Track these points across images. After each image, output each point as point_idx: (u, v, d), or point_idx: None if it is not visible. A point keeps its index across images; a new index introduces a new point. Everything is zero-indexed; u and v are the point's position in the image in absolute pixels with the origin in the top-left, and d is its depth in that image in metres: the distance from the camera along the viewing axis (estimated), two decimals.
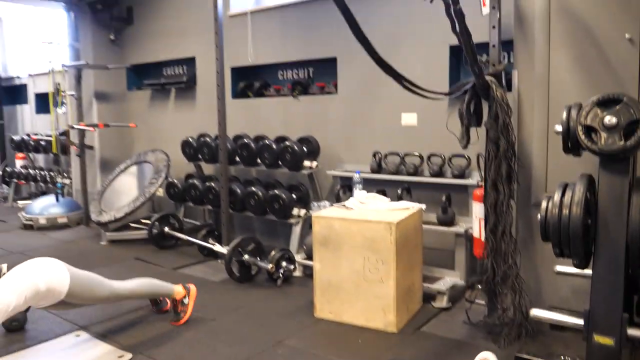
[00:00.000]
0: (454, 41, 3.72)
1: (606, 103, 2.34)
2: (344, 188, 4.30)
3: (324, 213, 3.36)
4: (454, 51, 4.06)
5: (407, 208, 3.35)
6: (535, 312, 2.58)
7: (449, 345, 2.96)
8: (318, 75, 5.01)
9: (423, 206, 3.49)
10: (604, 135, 2.31)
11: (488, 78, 3.00)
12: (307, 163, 4.53)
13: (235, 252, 4.03)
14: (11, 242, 5.62)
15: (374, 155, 4.35)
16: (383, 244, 3.05)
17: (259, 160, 4.80)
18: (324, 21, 4.69)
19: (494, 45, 3.18)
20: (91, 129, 5.92)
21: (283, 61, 5.10)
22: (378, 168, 4.32)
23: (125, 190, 5.64)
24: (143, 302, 3.57)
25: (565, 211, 2.37)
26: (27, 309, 3.14)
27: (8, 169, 8.02)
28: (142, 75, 6.46)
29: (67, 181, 6.83)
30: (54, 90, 6.42)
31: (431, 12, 3.37)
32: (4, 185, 8.27)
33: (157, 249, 5.15)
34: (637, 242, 2.20)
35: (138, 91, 6.46)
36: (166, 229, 5.15)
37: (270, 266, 3.92)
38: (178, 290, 3.38)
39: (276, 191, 4.46)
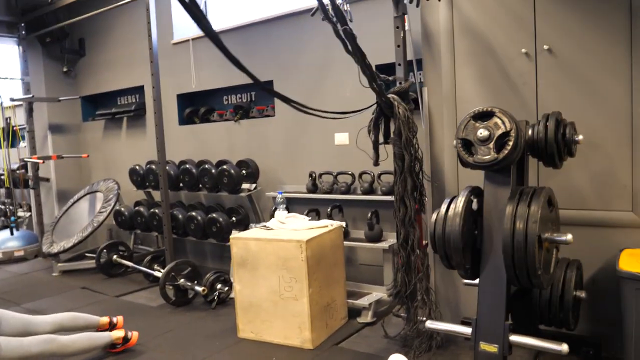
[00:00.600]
0: (381, 60, 3.87)
1: (481, 117, 2.42)
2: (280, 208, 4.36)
3: (241, 234, 3.41)
4: (381, 70, 4.16)
5: (325, 226, 3.40)
6: (429, 323, 2.62)
7: (362, 359, 2.99)
8: (259, 99, 5.11)
9: (343, 224, 3.55)
10: (478, 148, 2.39)
11: (391, 96, 3.08)
12: (245, 186, 4.59)
13: (168, 277, 4.07)
14: None
15: (310, 175, 4.42)
16: (295, 262, 3.10)
17: (201, 185, 4.86)
18: (260, 46, 4.81)
19: (399, 64, 3.29)
20: (40, 161, 5.97)
21: (225, 86, 5.20)
22: (313, 187, 4.38)
23: (77, 221, 5.67)
24: None
25: (449, 223, 2.44)
26: None
27: None
28: (98, 105, 6.55)
29: (26, 214, 6.85)
30: (4, 125, 6.47)
31: (359, 36, 3.49)
32: None
33: (106, 277, 5.17)
34: (509, 251, 2.26)
35: (93, 122, 6.54)
36: (115, 257, 5.18)
37: (202, 289, 3.95)
38: (104, 320, 3.41)
39: (214, 215, 4.52)
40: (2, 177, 7.35)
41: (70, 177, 6.58)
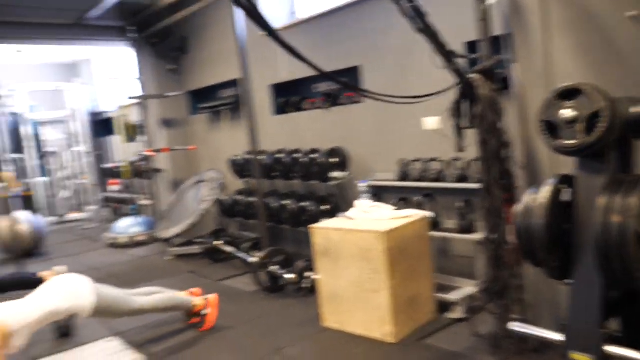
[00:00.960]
0: (470, 37, 3.61)
1: (566, 95, 2.15)
2: (370, 197, 4.27)
3: (323, 224, 3.39)
4: (471, 47, 3.88)
5: (409, 216, 3.27)
6: (514, 326, 2.40)
7: (446, 358, 2.84)
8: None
9: (428, 214, 3.38)
10: (564, 131, 2.12)
11: (473, 76, 2.85)
12: (335, 174, 4.56)
13: (262, 264, 4.18)
14: (95, 259, 6.26)
15: (400, 163, 4.27)
16: (375, 253, 3.02)
17: (293, 174, 4.92)
18: (346, 31, 4.71)
19: (482, 40, 3.02)
20: (153, 154, 6.42)
21: (314, 74, 5.16)
22: (403, 175, 4.23)
23: (186, 209, 6.04)
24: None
25: (532, 215, 2.20)
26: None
27: (105, 194, 8.91)
28: (202, 99, 6.89)
29: (148, 202, 7.44)
30: (123, 122, 7.05)
31: (445, 13, 3.31)
32: (104, 209, 9.19)
33: (212, 262, 5.46)
34: (601, 249, 1.98)
35: (198, 115, 6.89)
36: (218, 243, 5.43)
37: (293, 276, 4.01)
38: (196, 303, 3.59)
39: (304, 203, 4.55)
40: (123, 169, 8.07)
41: (181, 168, 7.01)
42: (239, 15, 4.51)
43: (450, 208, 4.08)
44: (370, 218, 3.32)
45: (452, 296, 3.37)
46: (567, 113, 2.09)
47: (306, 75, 5.25)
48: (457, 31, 3.53)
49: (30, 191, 9.26)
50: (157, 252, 6.30)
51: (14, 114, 9.29)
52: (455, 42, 3.83)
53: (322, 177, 4.57)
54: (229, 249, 5.29)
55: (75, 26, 6.13)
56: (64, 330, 3.70)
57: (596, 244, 2.00)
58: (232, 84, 6.34)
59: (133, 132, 7.11)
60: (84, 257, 6.46)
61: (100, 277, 5.33)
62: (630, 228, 1.91)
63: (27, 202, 9.22)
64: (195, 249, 5.79)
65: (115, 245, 6.85)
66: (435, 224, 3.66)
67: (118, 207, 8.90)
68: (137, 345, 3.45)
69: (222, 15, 6.01)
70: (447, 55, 2.66)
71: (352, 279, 3.17)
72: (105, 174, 8.89)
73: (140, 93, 6.84)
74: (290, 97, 5.52)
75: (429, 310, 3.34)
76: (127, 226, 6.95)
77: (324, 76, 2.59)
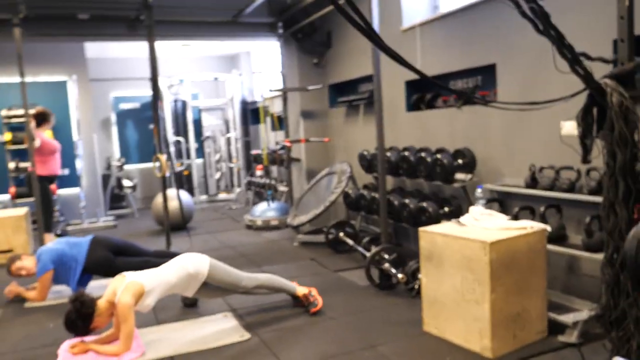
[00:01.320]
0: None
1: None
2: (491, 203, 4.07)
3: (430, 228, 3.31)
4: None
5: (523, 228, 3.06)
6: None
7: None
8: (485, 83, 4.81)
9: (547, 227, 3.13)
10: None
11: (604, 81, 2.58)
12: (460, 176, 4.41)
13: (374, 260, 4.22)
14: (232, 238, 6.81)
15: (530, 169, 4.00)
16: (478, 264, 2.89)
17: (418, 173, 4.86)
18: (482, 28, 4.51)
19: (622, 40, 2.70)
20: (289, 144, 6.76)
21: (449, 71, 5.04)
22: (532, 182, 3.95)
23: (315, 198, 6.28)
24: (286, 297, 4.05)
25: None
26: None
27: (250, 178, 9.60)
28: (342, 93, 7.07)
29: (286, 189, 7.87)
30: (267, 112, 7.51)
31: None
32: (249, 192, 9.91)
33: (333, 252, 5.62)
34: None
35: (336, 108, 7.08)
36: (341, 234, 5.59)
37: (401, 276, 3.99)
38: (301, 289, 3.79)
39: (424, 203, 4.47)
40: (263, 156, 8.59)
41: (317, 158, 7.29)
42: (375, 11, 4.56)
43: (581, 222, 3.74)
44: (480, 226, 3.17)
45: (566, 318, 3.10)
46: None
47: (443, 71, 5.15)
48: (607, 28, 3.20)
49: (187, 171, 10.33)
50: (287, 237, 6.65)
51: (179, 101, 10.40)
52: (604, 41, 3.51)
53: (445, 178, 4.45)
54: (350, 241, 5.41)
55: (231, 24, 6.68)
56: (190, 301, 4.12)
57: None
58: (370, 78, 6.42)
59: (277, 121, 7.54)
60: (222, 235, 7.06)
61: (231, 254, 5.83)
62: None
63: (185, 181, 10.32)
64: (320, 237, 6.00)
65: (252, 227, 7.36)
66: (560, 238, 3.38)
67: (260, 191, 9.53)
68: (246, 322, 3.71)
69: (363, 10, 6.11)
70: (574, 59, 2.44)
71: (454, 287, 3.07)
72: (252, 160, 9.57)
73: (283, 85, 7.23)
74: (424, 93, 5.44)
75: (538, 329, 3.11)
76: (264, 210, 7.42)
77: (425, 80, 2.52)
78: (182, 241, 6.34)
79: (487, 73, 4.61)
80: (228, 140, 10.75)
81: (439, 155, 4.49)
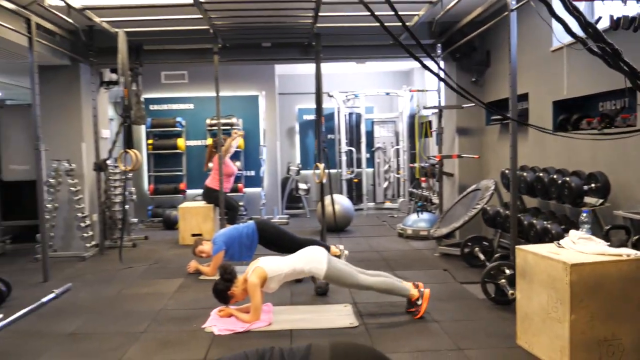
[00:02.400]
0: None
1: None
2: (617, 230, 3.98)
3: (525, 247, 3.47)
4: None
5: (618, 255, 3.08)
6: None
7: None
8: (630, 105, 4.62)
9: None
10: None
11: None
12: (588, 200, 4.35)
13: (489, 274, 4.41)
14: (381, 244, 7.38)
15: None
16: (560, 284, 3.02)
17: (550, 194, 4.86)
18: (629, 49, 4.37)
19: None
20: (439, 158, 7.06)
21: (595, 92, 4.92)
22: None
23: (459, 212, 6.51)
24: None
25: None
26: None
27: (411, 189, 10.05)
28: (500, 110, 7.13)
29: (436, 202, 8.16)
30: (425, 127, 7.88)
31: None
32: (411, 202, 10.35)
33: (467, 266, 5.82)
34: None
35: (491, 126, 7.18)
36: (476, 249, 5.77)
37: (511, 292, 4.13)
38: (412, 293, 4.17)
39: (548, 225, 4.49)
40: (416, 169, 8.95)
41: (470, 174, 7.45)
42: (513, 32, 4.76)
43: None
44: (575, 249, 3.25)
45: None
46: None
47: (589, 92, 5.05)
48: None
49: (357, 179, 11.16)
50: (431, 247, 6.97)
51: (354, 114, 11.30)
52: None
53: (573, 201, 4.43)
54: (482, 256, 5.58)
55: (391, 46, 7.25)
56: (322, 291, 4.80)
57: None
58: (525, 97, 6.46)
59: (429, 136, 7.88)
60: (373, 240, 7.66)
61: (373, 257, 6.41)
62: None
63: (354, 188, 11.16)
64: (456, 250, 6.23)
65: (402, 235, 7.83)
66: None
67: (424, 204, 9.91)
68: (360, 313, 4.26)
69: (521, 29, 6.18)
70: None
71: (541, 304, 3.21)
72: (413, 171, 10.00)
73: (440, 102, 7.57)
74: (571, 114, 5.36)
75: (633, 359, 3.08)
76: (415, 220, 7.83)
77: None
78: (334, 242, 7.10)
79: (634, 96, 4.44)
80: (397, 152, 11.32)
81: (567, 178, 4.48)
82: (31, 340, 3.93)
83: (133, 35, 6.59)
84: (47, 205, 6.73)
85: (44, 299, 4.90)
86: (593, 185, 4.41)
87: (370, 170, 11.63)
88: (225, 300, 4.07)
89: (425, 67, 3.44)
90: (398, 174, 11.14)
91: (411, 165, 9.85)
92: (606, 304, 3.02)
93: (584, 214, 3.53)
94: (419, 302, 4.16)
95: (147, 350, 3.65)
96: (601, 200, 4.34)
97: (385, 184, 11.61)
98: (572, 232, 3.42)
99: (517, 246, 3.53)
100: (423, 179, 9.98)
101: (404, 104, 10.86)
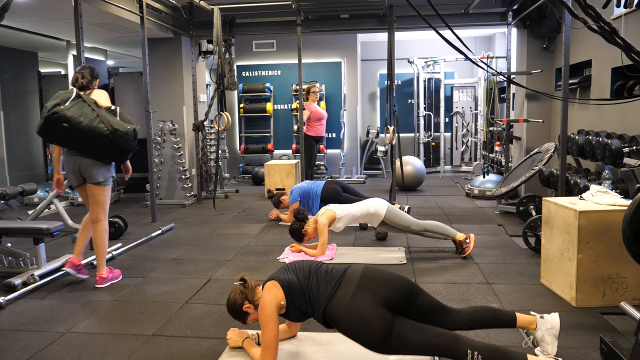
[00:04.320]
0: None
1: None
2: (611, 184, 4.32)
3: (549, 198, 3.94)
4: None
5: (626, 205, 3.50)
6: (624, 305, 2.69)
7: (607, 331, 3.19)
8: None
9: None
10: None
11: None
12: (627, 160, 4.66)
13: (529, 226, 4.88)
14: (447, 202, 7.91)
15: None
16: (572, 228, 3.51)
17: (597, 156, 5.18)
18: None
19: None
20: (503, 122, 7.39)
21: None
22: None
23: (520, 173, 6.88)
24: (452, 245, 5.10)
25: None
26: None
27: (484, 152, 10.34)
28: (571, 76, 7.29)
29: (503, 164, 8.49)
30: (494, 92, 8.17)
31: None
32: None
33: (521, 222, 6.25)
34: None
35: (559, 91, 7.35)
36: (531, 207, 6.17)
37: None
38: (460, 235, 4.78)
39: (588, 183, 4.85)
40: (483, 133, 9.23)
41: (537, 137, 7.70)
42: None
43: None
44: (593, 201, 3.69)
45: None
46: None
47: None
48: None
49: (434, 142, 11.58)
50: (493, 206, 7.41)
51: (433, 79, 11.64)
52: None
53: (613, 161, 4.75)
54: (534, 213, 5.99)
55: (463, 15, 7.59)
56: (381, 236, 5.51)
57: None
58: (587, 64, 6.62)
59: (497, 101, 8.16)
60: (441, 198, 8.19)
61: (437, 212, 7.01)
62: None
63: (432, 151, 11.61)
64: (514, 208, 6.65)
65: (469, 195, 8.30)
66: None
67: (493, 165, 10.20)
68: (410, 255, 4.94)
69: None
70: None
71: (558, 246, 3.72)
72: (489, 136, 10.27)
73: (508, 68, 7.83)
74: (628, 80, 5.54)
75: (635, 295, 3.52)
76: (482, 181, 8.25)
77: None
78: (402, 199, 7.74)
79: None
80: (475, 117, 11.58)
81: (609, 141, 4.79)
82: (145, 261, 5.00)
83: (227, 11, 7.48)
84: (154, 160, 7.93)
85: (153, 234, 6.07)
86: (634, 147, 4.70)
87: (448, 134, 11.99)
88: (299, 238, 4.88)
89: (443, 38, 3.90)
90: (475, 137, 11.42)
91: (487, 129, 10.14)
92: (611, 247, 3.47)
93: (606, 171, 3.92)
94: (467, 241, 4.77)
95: (231, 272, 4.58)
96: (638, 161, 4.63)
97: (462, 148, 11.94)
98: (592, 186, 3.86)
99: (544, 198, 4.01)
100: (497, 142, 10.25)
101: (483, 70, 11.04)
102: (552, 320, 2.73)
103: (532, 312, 2.82)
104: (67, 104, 3.83)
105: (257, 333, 2.99)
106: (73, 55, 8.60)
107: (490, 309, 2.79)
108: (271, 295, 2.59)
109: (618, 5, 3.52)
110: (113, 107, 4.08)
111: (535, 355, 2.65)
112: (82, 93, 4.02)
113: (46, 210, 6.53)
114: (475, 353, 2.34)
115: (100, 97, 4.12)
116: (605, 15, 5.85)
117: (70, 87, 4.14)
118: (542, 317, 2.74)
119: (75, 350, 3.02)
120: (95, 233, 4.24)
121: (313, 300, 2.60)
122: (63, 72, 11.12)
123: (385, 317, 2.41)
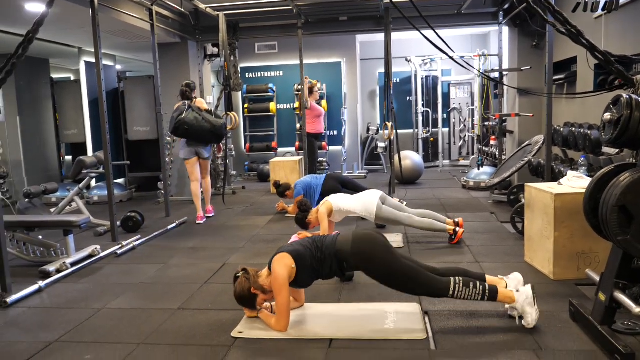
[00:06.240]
0: None
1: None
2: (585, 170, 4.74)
3: (531, 184, 4.36)
4: None
5: None
6: (589, 272, 3.11)
7: (581, 300, 3.60)
8: None
9: None
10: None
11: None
12: (606, 150, 5.07)
13: (516, 212, 5.30)
14: (443, 193, 8.33)
15: None
16: (549, 210, 3.93)
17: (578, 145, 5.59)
18: None
19: None
20: (495, 116, 7.80)
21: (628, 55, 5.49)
22: None
23: (511, 164, 7.29)
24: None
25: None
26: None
27: (481, 147, 10.74)
28: (558, 72, 7.69)
29: (497, 156, 8.89)
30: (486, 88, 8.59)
31: None
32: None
33: (511, 209, 6.65)
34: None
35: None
36: (520, 195, 6.58)
37: None
38: (449, 228, 5.19)
39: (570, 171, 5.27)
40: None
41: (528, 131, 8.10)
42: None
43: None
44: (569, 185, 4.11)
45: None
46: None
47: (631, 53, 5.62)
48: None
49: (432, 138, 11.99)
50: (487, 196, 7.83)
51: (430, 77, 12.04)
52: None
53: (593, 150, 5.16)
54: (524, 201, 6.39)
55: (455, 15, 8.01)
56: (380, 225, 5.93)
57: None
58: (573, 60, 7.02)
59: (490, 97, 8.57)
60: (438, 190, 8.61)
61: (433, 203, 7.41)
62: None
63: (430, 146, 12.01)
64: (504, 197, 7.07)
65: (465, 187, 8.72)
66: None
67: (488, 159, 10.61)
68: (408, 240, 5.37)
69: None
70: (606, 61, 3.29)
71: (538, 226, 4.14)
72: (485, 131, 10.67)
73: (500, 65, 8.23)
74: (609, 75, 5.94)
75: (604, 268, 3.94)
76: (477, 174, 8.67)
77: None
78: (400, 192, 8.16)
79: None
80: (472, 112, 11.98)
81: (588, 132, 5.20)
82: (163, 251, 5.44)
83: (231, 16, 7.91)
84: (165, 160, 8.36)
85: (169, 227, 6.49)
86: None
87: (446, 130, 12.40)
88: (304, 226, 5.30)
89: (425, 37, 4.31)
90: (472, 132, 11.83)
91: (482, 124, 10.54)
92: (585, 225, 3.80)
93: (582, 159, 4.34)
94: (457, 230, 5.17)
95: (243, 258, 5.01)
96: (617, 150, 5.03)
97: (460, 143, 12.35)
98: (569, 172, 4.27)
99: (526, 184, 4.42)
100: (493, 137, 10.64)
101: (478, 67, 11.44)
102: (527, 291, 3.14)
103: (499, 276, 3.29)
104: (184, 114, 6.39)
105: (271, 304, 3.41)
106: (85, 61, 9.01)
107: (462, 268, 3.32)
108: (282, 265, 3.02)
109: (585, 10, 3.91)
110: (209, 109, 6.70)
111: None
112: (189, 102, 6.54)
113: (67, 207, 6.98)
114: (458, 278, 3.01)
115: (201, 103, 6.72)
116: (587, 16, 6.26)
117: (179, 97, 6.69)
118: (517, 291, 3.16)
119: (113, 322, 3.46)
120: (205, 185, 7.06)
121: (324, 248, 3.13)
122: (73, 78, 11.56)
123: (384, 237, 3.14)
